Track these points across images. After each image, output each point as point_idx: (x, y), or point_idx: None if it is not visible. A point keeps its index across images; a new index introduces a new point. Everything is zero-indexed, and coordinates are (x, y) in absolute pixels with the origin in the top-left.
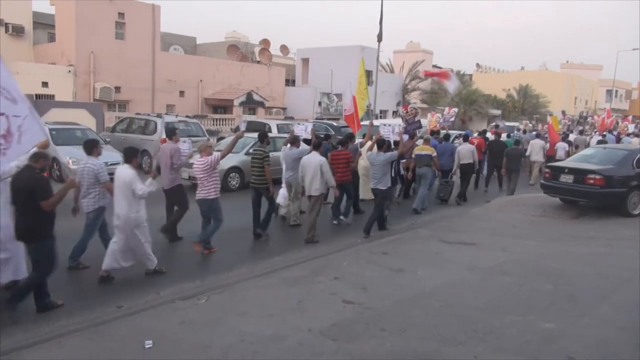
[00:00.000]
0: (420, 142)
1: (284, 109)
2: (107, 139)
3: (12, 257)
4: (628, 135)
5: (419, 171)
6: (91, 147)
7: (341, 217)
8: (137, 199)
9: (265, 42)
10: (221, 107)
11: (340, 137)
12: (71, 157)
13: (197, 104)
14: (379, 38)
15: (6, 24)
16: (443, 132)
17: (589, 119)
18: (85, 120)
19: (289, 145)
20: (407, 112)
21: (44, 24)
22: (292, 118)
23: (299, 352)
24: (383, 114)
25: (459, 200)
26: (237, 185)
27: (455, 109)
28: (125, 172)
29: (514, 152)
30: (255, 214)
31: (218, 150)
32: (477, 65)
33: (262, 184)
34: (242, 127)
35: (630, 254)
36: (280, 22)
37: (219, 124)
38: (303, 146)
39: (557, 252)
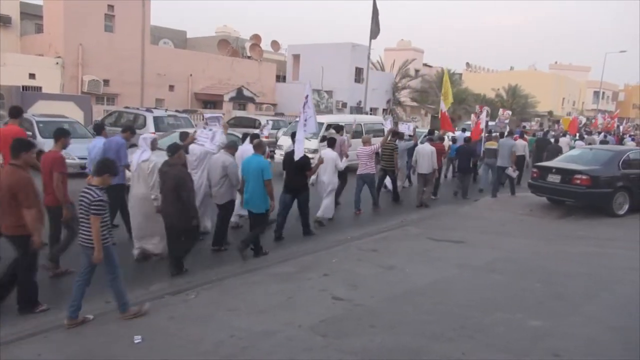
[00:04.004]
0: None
1: (275, 105)
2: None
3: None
4: (630, 136)
5: (488, 161)
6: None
7: (432, 196)
8: (336, 170)
9: (256, 38)
10: (211, 102)
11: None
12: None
13: (187, 99)
14: (373, 35)
15: None
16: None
17: (593, 120)
18: (73, 113)
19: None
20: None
21: (31, 15)
22: (282, 114)
23: (289, 348)
24: (373, 111)
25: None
26: None
27: (509, 112)
28: (331, 153)
29: (554, 148)
30: (379, 187)
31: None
32: (467, 64)
33: (391, 167)
34: (388, 125)
35: (619, 254)
36: (272, 17)
37: None
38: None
39: (546, 250)
